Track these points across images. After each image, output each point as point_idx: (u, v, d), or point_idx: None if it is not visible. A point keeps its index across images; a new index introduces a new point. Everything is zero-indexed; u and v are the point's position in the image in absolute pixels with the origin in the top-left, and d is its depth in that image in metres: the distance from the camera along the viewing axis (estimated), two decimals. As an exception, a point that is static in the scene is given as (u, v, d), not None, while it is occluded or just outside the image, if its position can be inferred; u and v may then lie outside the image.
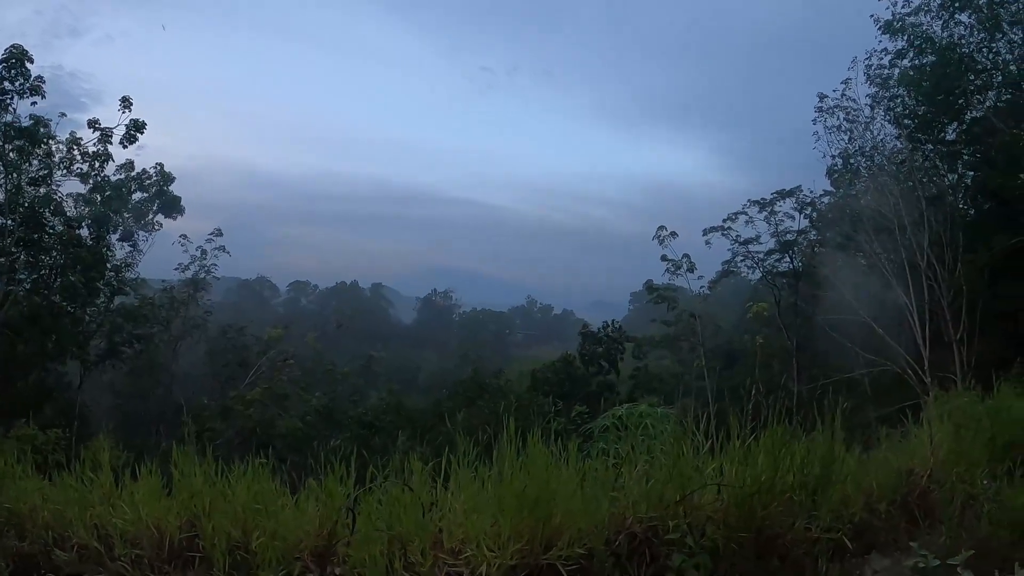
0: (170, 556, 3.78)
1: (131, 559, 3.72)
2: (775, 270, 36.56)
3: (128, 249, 32.43)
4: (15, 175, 26.90)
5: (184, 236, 35.40)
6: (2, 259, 26.41)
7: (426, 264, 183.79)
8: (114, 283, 31.34)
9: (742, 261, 37.33)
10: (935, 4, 24.95)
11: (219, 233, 36.24)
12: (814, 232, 34.82)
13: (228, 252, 36.46)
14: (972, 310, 23.48)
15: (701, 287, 38.11)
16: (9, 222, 26.78)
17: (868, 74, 27.75)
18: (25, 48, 26.48)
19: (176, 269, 35.56)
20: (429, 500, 3.78)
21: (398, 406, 35.17)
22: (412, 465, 3.88)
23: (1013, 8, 23.46)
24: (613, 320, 46.94)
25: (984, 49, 25.46)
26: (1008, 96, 25.38)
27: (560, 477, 3.88)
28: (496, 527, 3.55)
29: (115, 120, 29.14)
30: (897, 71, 26.90)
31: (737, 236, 35.78)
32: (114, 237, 31.34)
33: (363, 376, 51.37)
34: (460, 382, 40.28)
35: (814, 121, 29.98)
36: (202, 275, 35.73)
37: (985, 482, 5.79)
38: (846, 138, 29.67)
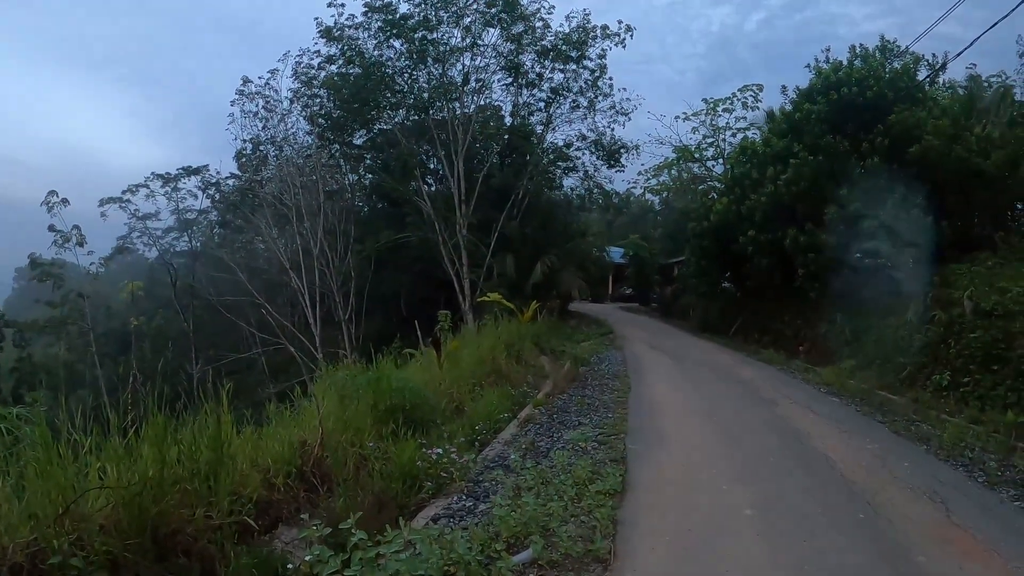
0: None
1: None
2: (173, 249, 34.94)
3: None
4: None
5: None
6: None
7: None
8: None
9: (139, 237, 34.47)
10: (375, 26, 27.17)
11: None
12: (216, 213, 34.47)
13: None
14: (360, 293, 26.67)
15: (92, 263, 33.16)
16: None
17: (296, 70, 28.93)
18: None
19: None
20: None
21: None
22: None
23: (441, 48, 26.91)
24: (-10, 302, 37.64)
25: (406, 74, 28.00)
26: (415, 118, 28.97)
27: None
28: None
29: None
30: (324, 74, 28.60)
31: (136, 210, 32.71)
32: None
33: None
34: None
35: (232, 103, 30.13)
36: None
37: (371, 443, 6.65)
38: (260, 125, 30.52)
